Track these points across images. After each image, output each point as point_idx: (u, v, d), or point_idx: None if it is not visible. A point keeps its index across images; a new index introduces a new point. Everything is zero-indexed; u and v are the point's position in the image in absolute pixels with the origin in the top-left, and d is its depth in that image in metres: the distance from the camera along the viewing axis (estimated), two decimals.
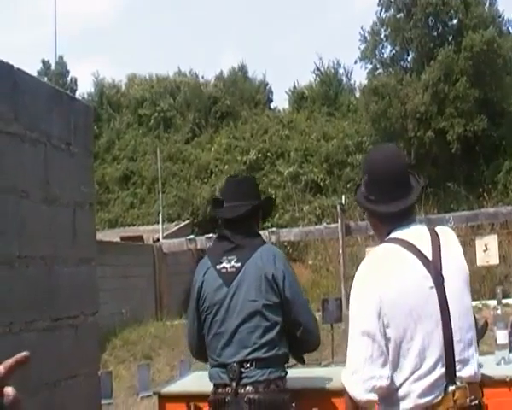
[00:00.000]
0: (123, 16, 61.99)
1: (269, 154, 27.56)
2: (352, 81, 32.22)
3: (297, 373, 4.55)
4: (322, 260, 20.32)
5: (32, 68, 33.03)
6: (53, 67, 35.99)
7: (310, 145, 27.34)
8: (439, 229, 3.18)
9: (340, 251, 16.16)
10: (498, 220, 17.11)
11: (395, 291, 2.91)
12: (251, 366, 3.95)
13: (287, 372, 4.07)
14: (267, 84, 34.46)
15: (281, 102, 45.44)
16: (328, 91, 30.86)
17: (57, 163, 3.64)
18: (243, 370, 3.95)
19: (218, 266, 4.13)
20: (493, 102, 24.08)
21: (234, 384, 3.94)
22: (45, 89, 3.69)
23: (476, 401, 2.95)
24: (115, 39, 60.03)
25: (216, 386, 4.05)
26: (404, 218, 3.14)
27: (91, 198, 4.01)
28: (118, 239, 20.61)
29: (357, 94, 30.15)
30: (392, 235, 3.09)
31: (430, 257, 3.00)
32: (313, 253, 21.10)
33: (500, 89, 24.53)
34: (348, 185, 24.20)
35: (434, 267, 2.98)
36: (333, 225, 17.21)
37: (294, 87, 32.45)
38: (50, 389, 3.41)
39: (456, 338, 2.93)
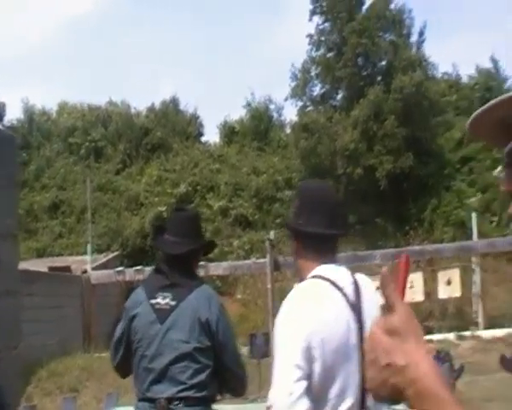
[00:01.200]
0: (55, 44, 61.46)
1: (199, 187, 27.56)
2: (283, 117, 32.49)
3: (224, 408, 4.56)
4: (251, 294, 20.36)
5: None
6: None
7: (240, 179, 27.42)
8: (359, 276, 3.22)
9: (269, 286, 16.19)
10: (424, 258, 17.46)
11: (323, 327, 2.92)
12: (179, 403, 3.94)
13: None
14: (198, 117, 34.55)
15: (212, 135, 45.51)
16: (258, 126, 31.05)
17: None
18: (171, 406, 3.92)
19: (152, 301, 4.10)
20: (420, 142, 24.58)
21: None
22: None
23: None
24: (46, 66, 59.40)
25: None
26: (328, 249, 3.18)
27: (15, 229, 3.96)
28: (46, 269, 20.30)
29: (288, 130, 30.36)
30: (317, 271, 3.10)
31: (353, 301, 3.05)
32: (242, 287, 21.13)
33: (427, 129, 25.08)
34: (277, 220, 24.34)
35: (357, 311, 3.03)
36: (261, 260, 17.27)
37: (225, 121, 32.59)
38: None
39: None
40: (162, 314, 4.05)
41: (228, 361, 4.06)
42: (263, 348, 7.35)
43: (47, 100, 64.51)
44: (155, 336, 4.03)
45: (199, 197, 27.14)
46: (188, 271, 4.22)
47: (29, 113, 34.74)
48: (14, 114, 45.37)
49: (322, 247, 3.16)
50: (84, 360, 15.28)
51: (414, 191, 24.13)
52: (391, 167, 23.45)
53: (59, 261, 23.14)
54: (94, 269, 19.44)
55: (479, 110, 1.45)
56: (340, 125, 24.49)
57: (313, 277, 3.10)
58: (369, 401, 2.97)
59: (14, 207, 4.03)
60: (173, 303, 4.04)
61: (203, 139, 33.92)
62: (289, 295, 3.08)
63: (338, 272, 3.12)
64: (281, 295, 18.39)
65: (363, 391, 2.96)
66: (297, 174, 26.10)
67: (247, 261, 18.93)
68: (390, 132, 23.63)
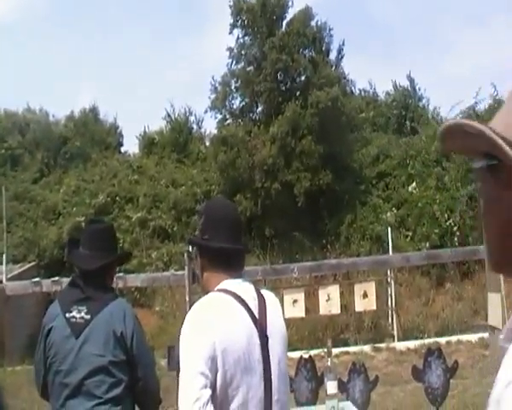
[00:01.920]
0: None
1: (118, 198, 27.36)
2: (203, 130, 32.53)
3: None
4: (169, 306, 20.36)
5: None
6: None
7: (159, 191, 27.35)
8: (264, 292, 3.37)
9: (187, 298, 16.23)
10: (340, 271, 17.82)
11: (227, 338, 3.03)
12: None
13: None
14: (118, 127, 34.33)
15: (131, 146, 45.27)
16: (178, 138, 31.01)
17: None
18: None
19: (67, 315, 4.14)
20: (337, 158, 24.92)
21: None
22: None
23: None
24: None
25: None
26: (233, 264, 3.32)
27: None
28: None
29: (207, 143, 30.44)
30: (222, 286, 3.24)
31: (257, 315, 3.17)
32: (160, 299, 21.11)
33: (344, 145, 25.49)
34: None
35: (260, 326, 3.15)
36: (180, 273, 17.28)
37: (145, 132, 32.46)
38: None
39: (274, 398, 3.12)
40: (77, 328, 4.09)
41: (142, 375, 4.11)
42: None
43: None
44: (70, 351, 4.07)
45: (117, 208, 26.93)
46: (102, 284, 4.28)
47: None
48: None
49: (227, 261, 3.31)
50: None
51: (331, 206, 24.43)
52: (308, 184, 23.68)
53: None
54: (9, 280, 19.12)
55: (450, 123, 1.57)
56: (258, 140, 24.60)
57: (218, 290, 3.24)
58: None
59: None
60: (88, 317, 4.10)
61: (122, 149, 33.79)
62: (194, 307, 3.22)
63: (242, 286, 3.26)
64: None
65: (268, 404, 3.10)
66: (216, 187, 26.18)
67: (165, 273, 18.92)
68: (307, 150, 23.83)
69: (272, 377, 3.13)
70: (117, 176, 28.66)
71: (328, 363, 5.18)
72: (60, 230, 25.84)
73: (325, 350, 13.80)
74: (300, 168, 23.91)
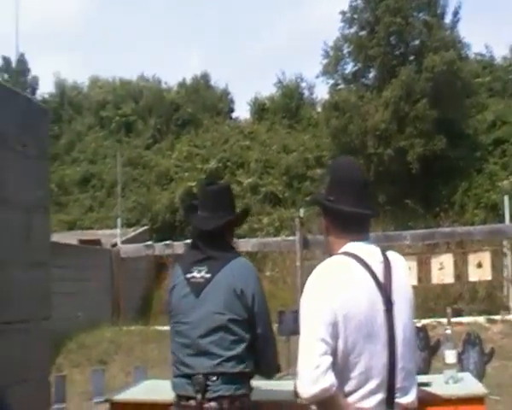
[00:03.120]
0: (88, 17, 61.62)
1: (229, 163, 27.56)
2: (314, 95, 32.30)
3: (253, 384, 4.54)
4: (280, 271, 20.38)
5: None
6: (13, 65, 35.58)
7: (270, 157, 27.38)
8: (390, 254, 3.19)
9: (298, 264, 16.21)
10: (454, 239, 17.33)
11: (349, 304, 2.90)
12: (217, 379, 3.87)
13: (252, 389, 4.01)
14: (229, 93, 34.43)
15: (242, 112, 45.42)
16: (289, 104, 30.90)
17: (12, 165, 3.59)
18: (209, 383, 3.86)
19: (187, 275, 4.07)
20: (452, 124, 24.32)
21: (199, 397, 3.87)
22: (1, 90, 3.64)
23: None
24: (78, 40, 59.55)
25: (179, 397, 3.97)
26: (358, 228, 3.16)
27: (46, 201, 3.96)
28: (76, 242, 20.46)
29: (319, 108, 30.21)
30: (346, 248, 3.09)
31: (382, 280, 3.01)
32: (271, 264, 21.14)
33: (459, 110, 24.80)
34: (307, 198, 24.31)
35: (385, 291, 3.00)
36: (291, 238, 17.27)
37: (256, 98, 32.46)
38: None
39: (399, 366, 2.97)
40: (197, 287, 4.02)
41: (262, 334, 4.00)
42: (291, 325, 7.35)
43: (78, 74, 64.81)
44: (190, 310, 4.01)
45: (229, 174, 27.11)
46: (222, 243, 4.16)
47: (60, 87, 34.84)
48: (46, 88, 45.71)
49: (352, 225, 3.14)
50: (112, 333, 15.41)
51: (445, 173, 23.91)
52: (422, 150, 23.25)
53: (89, 235, 23.32)
54: (123, 243, 19.55)
55: None
56: (371, 105, 24.30)
57: (341, 253, 3.09)
58: (400, 382, 2.97)
59: (45, 179, 4.03)
60: (208, 276, 4.01)
61: (233, 115, 33.91)
62: (315, 270, 3.09)
63: (367, 249, 3.11)
64: (309, 273, 18.36)
65: (392, 372, 2.94)
66: (327, 153, 26.00)
67: (276, 239, 18.94)
68: (421, 114, 23.39)
69: (397, 343, 2.98)
70: (228, 141, 28.83)
71: (448, 332, 4.96)
72: (172, 194, 26.25)
73: (438, 320, 13.58)
74: (414, 134, 23.46)
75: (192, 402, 3.88)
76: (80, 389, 12.17)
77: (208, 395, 3.86)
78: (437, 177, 23.86)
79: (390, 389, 2.95)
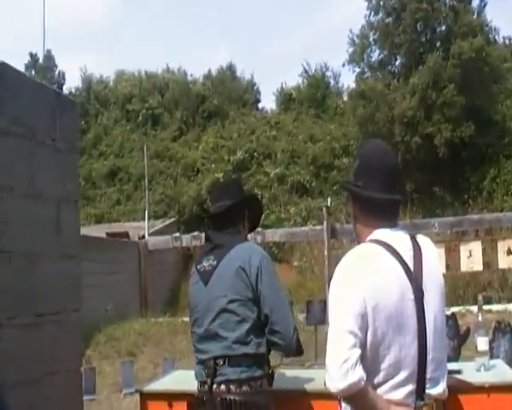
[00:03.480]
0: (113, 12, 61.85)
1: (256, 154, 27.57)
2: (340, 84, 32.27)
3: (280, 374, 4.55)
4: (308, 261, 20.36)
5: (20, 62, 32.96)
6: (41, 61, 35.84)
7: (297, 147, 27.36)
8: (420, 239, 3.11)
9: (325, 253, 16.20)
10: (483, 227, 17.21)
11: (378, 294, 2.84)
12: (223, 363, 3.92)
13: (264, 372, 3.99)
14: (255, 84, 34.49)
15: (268, 102, 45.35)
16: (315, 94, 30.86)
17: (42, 159, 3.62)
18: (217, 367, 3.93)
19: (198, 266, 4.19)
20: (480, 110, 24.14)
21: (209, 381, 3.94)
22: (30, 83, 3.67)
23: None
24: (104, 35, 59.83)
25: (199, 383, 4.06)
26: (388, 215, 3.08)
27: (76, 194, 3.99)
28: (103, 235, 20.56)
29: (345, 97, 30.15)
30: (375, 236, 3.02)
31: (412, 267, 2.94)
32: (298, 254, 21.14)
33: (487, 97, 24.60)
34: (334, 188, 24.28)
35: (415, 280, 2.93)
36: (318, 227, 17.26)
37: (282, 88, 32.48)
38: (31, 385, 3.39)
39: (429, 357, 2.92)
40: (205, 276, 4.11)
41: (270, 314, 3.98)
42: (319, 315, 7.35)
43: (104, 69, 65.11)
44: (201, 299, 4.10)
45: (255, 164, 27.15)
46: (230, 230, 4.22)
47: (87, 82, 35.03)
48: (72, 83, 45.97)
49: (381, 211, 3.06)
50: (140, 325, 15.50)
51: (473, 160, 23.77)
52: (449, 136, 23.11)
53: (117, 227, 23.43)
54: (151, 235, 19.62)
55: None
56: (398, 93, 24.20)
57: (370, 241, 3.02)
58: (430, 373, 2.92)
59: (75, 172, 4.06)
60: (214, 263, 4.09)
61: (260, 106, 33.94)
62: (343, 259, 3.01)
63: (396, 236, 3.03)
64: (337, 262, 18.33)
65: (422, 363, 2.89)
66: (354, 142, 25.94)
67: (303, 228, 18.93)
68: (449, 101, 23.25)
69: (427, 334, 2.91)
70: (255, 132, 28.85)
71: (479, 318, 4.93)
72: (199, 186, 26.31)
73: (467, 308, 13.50)
74: (441, 120, 23.32)
75: (206, 387, 3.96)
76: (110, 381, 12.27)
77: (217, 379, 3.92)
78: (465, 164, 23.72)
79: (420, 381, 2.89)
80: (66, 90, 34.16)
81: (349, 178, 3.26)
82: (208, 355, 3.99)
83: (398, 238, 3.02)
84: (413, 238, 3.08)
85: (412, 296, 2.89)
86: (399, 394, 2.87)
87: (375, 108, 24.18)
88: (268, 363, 4.07)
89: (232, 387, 3.88)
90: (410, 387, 2.88)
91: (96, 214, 27.82)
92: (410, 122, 23.59)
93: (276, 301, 4.00)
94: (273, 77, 57.35)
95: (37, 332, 3.48)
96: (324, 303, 7.63)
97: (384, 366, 2.86)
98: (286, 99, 31.78)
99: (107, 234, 20.94)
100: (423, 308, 2.91)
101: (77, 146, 4.08)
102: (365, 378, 2.77)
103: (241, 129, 29.24)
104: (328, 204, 17.93)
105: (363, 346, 2.81)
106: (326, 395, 4.30)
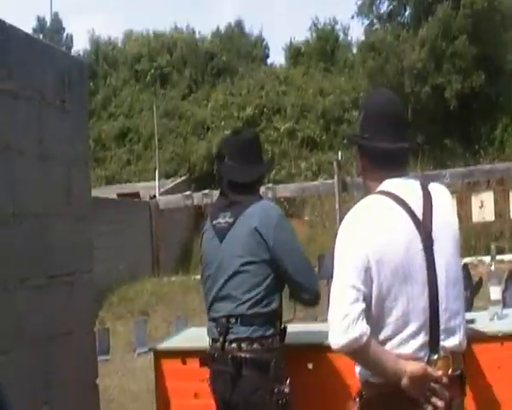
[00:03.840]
0: None
1: (265, 110, 27.49)
2: (349, 37, 32.04)
3: (293, 329, 4.55)
4: (319, 216, 20.38)
5: (28, 25, 32.85)
6: (48, 24, 35.72)
7: (306, 101, 27.25)
8: (432, 186, 3.03)
9: (337, 207, 16.19)
10: (494, 177, 17.12)
11: (383, 247, 2.79)
12: (236, 322, 3.94)
13: (276, 330, 3.99)
14: (263, 39, 34.31)
15: (277, 57, 45.12)
16: (324, 47, 30.67)
17: (51, 120, 3.61)
18: (230, 325, 3.94)
19: (214, 222, 4.14)
20: (491, 59, 23.92)
21: (221, 339, 3.95)
22: (38, 45, 3.65)
23: (458, 372, 2.91)
24: None
25: (211, 341, 4.07)
26: (397, 165, 3.00)
27: (86, 156, 3.99)
28: (114, 196, 20.60)
29: (354, 50, 29.96)
30: (383, 187, 2.95)
31: (421, 217, 2.87)
32: (310, 209, 21.14)
33: (498, 46, 24.36)
34: (345, 141, 24.24)
35: (424, 228, 2.85)
36: (329, 181, 17.24)
37: (291, 43, 32.26)
38: (45, 346, 3.42)
39: (442, 307, 2.84)
40: (221, 232, 4.07)
41: (291, 273, 3.99)
42: (331, 268, 7.27)
43: (112, 30, 64.84)
44: (215, 256, 4.07)
45: (265, 120, 27.08)
46: (250, 191, 4.17)
47: (95, 44, 34.90)
48: (80, 46, 45.83)
49: (389, 162, 2.99)
50: (152, 284, 15.58)
51: (483, 110, 23.61)
52: (460, 87, 22.94)
53: (127, 188, 23.49)
54: (162, 194, 19.63)
55: None
56: (407, 44, 24.01)
57: (378, 192, 2.96)
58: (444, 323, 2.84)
59: (84, 133, 4.06)
60: (231, 220, 4.04)
61: (269, 61, 33.78)
62: (349, 213, 2.96)
63: (406, 186, 2.96)
64: None
65: (434, 314, 2.82)
66: (364, 94, 25.76)
67: (314, 183, 18.90)
68: (459, 51, 23.05)
69: (438, 283, 2.83)
70: (264, 88, 28.73)
71: (492, 268, 4.92)
72: (209, 144, 26.30)
73: (479, 258, 13.52)
74: (451, 71, 23.16)
75: (218, 344, 3.97)
76: (123, 341, 12.37)
77: (229, 337, 3.93)
78: (476, 113, 23.58)
79: (433, 332, 2.82)
80: (74, 52, 34.05)
81: (356, 131, 3.18)
82: (220, 314, 4.01)
83: (408, 188, 2.95)
84: (424, 187, 3.00)
85: (421, 246, 2.82)
86: (410, 347, 2.81)
87: (384, 60, 24.03)
88: (280, 319, 4.08)
89: (243, 345, 3.90)
90: (422, 339, 2.81)
91: (107, 176, 27.88)
92: (420, 73, 23.44)
93: (296, 258, 3.99)
94: (282, 32, 56.91)
95: (50, 294, 3.50)
96: None
97: (391, 319, 2.80)
98: (295, 54, 31.59)
99: (118, 195, 20.98)
100: (433, 257, 2.84)
101: (86, 107, 4.07)
102: (368, 334, 2.71)
103: (251, 85, 29.12)
104: (339, 158, 17.87)
105: (368, 300, 2.76)
106: None
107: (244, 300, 3.93)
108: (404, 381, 2.77)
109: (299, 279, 4.00)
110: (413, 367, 2.78)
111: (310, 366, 4.36)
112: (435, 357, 2.83)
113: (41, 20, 35.81)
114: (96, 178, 26.09)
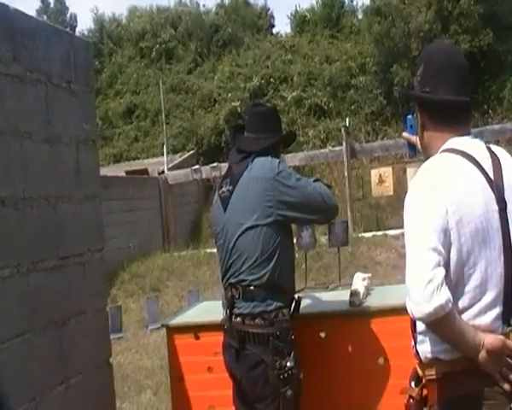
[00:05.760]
0: None
1: (272, 79, 27.38)
2: (355, 2, 31.89)
3: (304, 297, 4.58)
4: (328, 183, 20.34)
5: (31, 7, 32.75)
6: (52, 5, 35.64)
7: (313, 69, 27.12)
8: (495, 149, 2.86)
9: (346, 174, 16.21)
10: (504, 136, 17.00)
11: (462, 208, 2.62)
12: (238, 297, 3.97)
13: (279, 304, 3.96)
14: (268, 9, 34.10)
15: (283, 26, 44.83)
16: (330, 14, 30.43)
17: (58, 102, 3.63)
18: (234, 300, 3.98)
19: (219, 191, 4.19)
20: (498, 17, 23.67)
21: (228, 312, 4.03)
22: (43, 28, 3.66)
23: None
24: None
25: (224, 311, 4.14)
26: (462, 120, 2.86)
27: (93, 135, 4.01)
28: (123, 174, 20.64)
29: (360, 15, 29.76)
30: (451, 145, 2.80)
31: (492, 177, 2.71)
32: (319, 176, 21.11)
33: (505, 3, 24.10)
34: (352, 107, 24.14)
35: (497, 189, 2.70)
36: (337, 148, 17.26)
37: (296, 11, 32.04)
38: (59, 327, 3.47)
39: None
40: (224, 201, 4.11)
41: (305, 216, 4.01)
42: (341, 236, 7.30)
43: (116, 7, 64.44)
44: (221, 224, 4.12)
45: (272, 90, 26.99)
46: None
47: (99, 21, 34.81)
48: (84, 25, 45.64)
49: (453, 117, 2.84)
50: (163, 260, 15.62)
51: (492, 69, 23.40)
52: (468, 46, 22.74)
53: (136, 165, 23.54)
54: (170, 170, 19.65)
55: None
56: (413, 6, 23.80)
57: (444, 151, 2.80)
58: None
59: (92, 112, 4.08)
60: (230, 187, 4.08)
61: (274, 31, 33.60)
62: (419, 173, 2.78)
63: (473, 144, 2.81)
64: (358, 182, 18.36)
65: (509, 282, 2.65)
66: (371, 59, 25.68)
67: (323, 150, 18.88)
68: (466, 10, 22.85)
69: None
70: (270, 57, 28.61)
71: None
72: (216, 116, 26.26)
73: None
74: (459, 31, 22.96)
75: (227, 316, 4.06)
76: (136, 318, 12.46)
77: (234, 311, 3.99)
78: (484, 72, 23.33)
79: (506, 303, 2.65)
80: (78, 32, 34.04)
81: (412, 86, 2.99)
82: (225, 283, 4.07)
83: (475, 147, 2.81)
84: (488, 147, 2.85)
85: (496, 207, 2.68)
86: (487, 318, 2.65)
87: (390, 24, 23.85)
88: (286, 292, 4.05)
89: (246, 320, 3.93)
90: (498, 310, 2.65)
91: (115, 154, 27.92)
92: (427, 36, 23.20)
93: (305, 204, 3.97)
94: (287, 0, 56.43)
95: (62, 275, 3.53)
96: (346, 224, 7.61)
97: (469, 287, 2.63)
98: (300, 21, 31.36)
99: (127, 172, 21.01)
100: (507, 220, 2.69)
101: (92, 86, 4.08)
102: (452, 300, 2.54)
103: (257, 55, 28.99)
104: (347, 124, 17.85)
105: (446, 265, 2.58)
106: (351, 316, 4.38)
107: (243, 267, 3.95)
108: (483, 354, 2.60)
109: (313, 217, 4.08)
110: (492, 339, 2.62)
111: (322, 334, 4.39)
112: (507, 330, 2.67)
113: (44, 1, 35.74)
114: (105, 157, 26.14)
